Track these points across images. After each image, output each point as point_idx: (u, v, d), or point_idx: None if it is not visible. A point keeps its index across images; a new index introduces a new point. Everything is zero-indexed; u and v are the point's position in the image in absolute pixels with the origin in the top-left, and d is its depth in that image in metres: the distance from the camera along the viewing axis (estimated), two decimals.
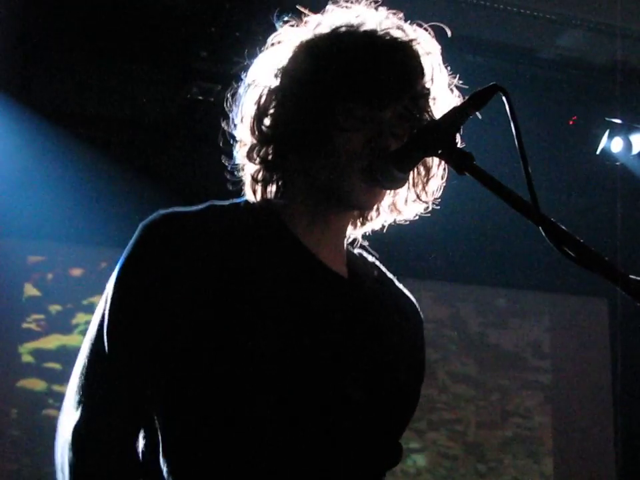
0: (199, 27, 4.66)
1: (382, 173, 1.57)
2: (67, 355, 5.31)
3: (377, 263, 1.81)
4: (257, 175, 1.67)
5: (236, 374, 1.49)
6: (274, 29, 1.72)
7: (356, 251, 1.79)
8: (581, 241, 1.35)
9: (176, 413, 1.53)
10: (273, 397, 1.51)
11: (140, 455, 1.59)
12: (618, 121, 5.67)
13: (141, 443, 1.59)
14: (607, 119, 5.65)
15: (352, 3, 1.71)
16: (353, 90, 1.58)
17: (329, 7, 1.70)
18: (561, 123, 5.56)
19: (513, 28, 5.08)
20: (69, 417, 1.54)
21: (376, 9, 1.69)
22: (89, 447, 1.52)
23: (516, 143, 1.43)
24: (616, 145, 5.74)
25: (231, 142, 1.72)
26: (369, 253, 1.82)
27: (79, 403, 1.54)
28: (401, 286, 1.83)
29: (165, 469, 1.53)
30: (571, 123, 5.61)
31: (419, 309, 1.84)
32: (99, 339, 1.55)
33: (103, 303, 1.58)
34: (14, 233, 5.79)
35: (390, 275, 1.82)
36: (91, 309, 1.53)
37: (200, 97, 4.93)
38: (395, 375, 1.68)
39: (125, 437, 1.55)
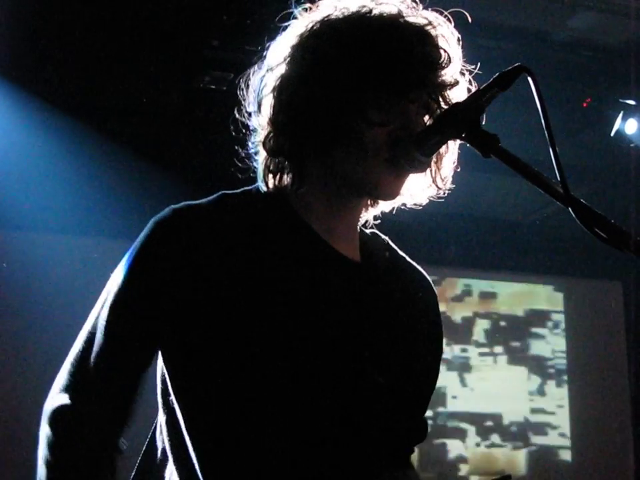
0: (210, 15, 4.63)
1: (405, 157, 1.56)
2: None
3: (389, 242, 1.81)
4: (272, 164, 1.65)
5: (257, 361, 1.49)
6: (286, 17, 1.68)
7: (369, 231, 1.78)
8: (612, 221, 1.33)
9: (197, 401, 1.53)
10: (296, 382, 1.51)
11: (162, 441, 1.60)
12: (632, 102, 5.64)
13: (164, 430, 1.59)
14: (620, 100, 5.62)
15: None
16: (382, 80, 1.54)
17: None
18: (575, 105, 5.53)
19: (525, 11, 5.05)
20: (56, 398, 1.55)
21: None
22: (69, 431, 1.52)
23: (543, 123, 1.41)
24: (630, 127, 5.71)
25: (244, 131, 1.70)
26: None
27: (68, 387, 1.54)
28: (413, 263, 1.82)
29: (192, 456, 1.53)
30: (584, 105, 5.58)
31: (432, 285, 1.84)
32: (96, 326, 1.55)
33: (105, 293, 1.58)
34: (24, 225, 5.79)
35: (401, 253, 1.82)
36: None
37: (212, 86, 4.92)
38: (413, 354, 1.69)
39: (105, 429, 1.54)
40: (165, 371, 1.59)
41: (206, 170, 5.43)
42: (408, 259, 1.82)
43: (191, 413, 1.54)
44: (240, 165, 1.71)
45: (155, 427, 1.64)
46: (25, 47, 4.92)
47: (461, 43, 1.66)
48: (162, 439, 1.61)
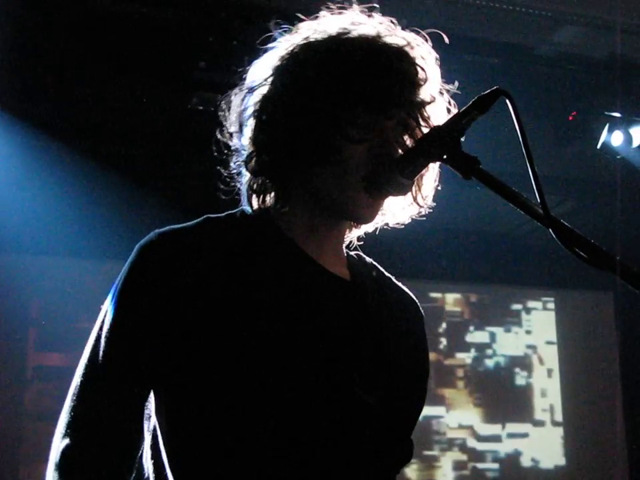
0: (196, 37, 4.65)
1: (387, 180, 1.57)
2: None
3: (374, 263, 1.82)
4: (255, 184, 1.66)
5: (247, 382, 1.49)
6: (271, 37, 1.70)
7: (353, 253, 1.80)
8: (592, 240, 1.35)
9: (182, 425, 1.53)
10: (286, 401, 1.51)
11: (146, 465, 1.59)
12: (617, 114, 5.66)
13: (148, 453, 1.59)
14: (606, 113, 5.65)
15: (345, 8, 1.70)
16: (359, 98, 1.57)
17: (322, 12, 1.70)
18: (560, 119, 5.56)
19: (510, 26, 5.07)
20: (60, 440, 1.52)
21: (369, 14, 1.69)
22: (76, 472, 1.50)
23: (522, 146, 1.43)
24: (616, 139, 5.74)
25: (226, 152, 1.71)
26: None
27: (70, 427, 1.52)
28: (399, 284, 1.84)
29: (171, 475, 1.53)
30: (570, 118, 5.61)
31: (420, 306, 1.85)
32: (93, 361, 1.54)
33: (99, 325, 1.57)
34: (15, 248, 5.79)
35: (387, 274, 1.83)
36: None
37: (200, 107, 4.93)
38: (401, 374, 1.69)
39: (112, 462, 1.52)
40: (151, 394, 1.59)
41: (195, 191, 5.44)
42: (394, 280, 1.83)
43: (175, 435, 1.54)
44: (226, 187, 1.72)
45: (142, 451, 1.64)
46: (11, 72, 4.93)
47: (439, 62, 1.68)
48: (147, 462, 1.60)
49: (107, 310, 1.57)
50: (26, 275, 6.01)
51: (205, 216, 1.66)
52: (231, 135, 1.70)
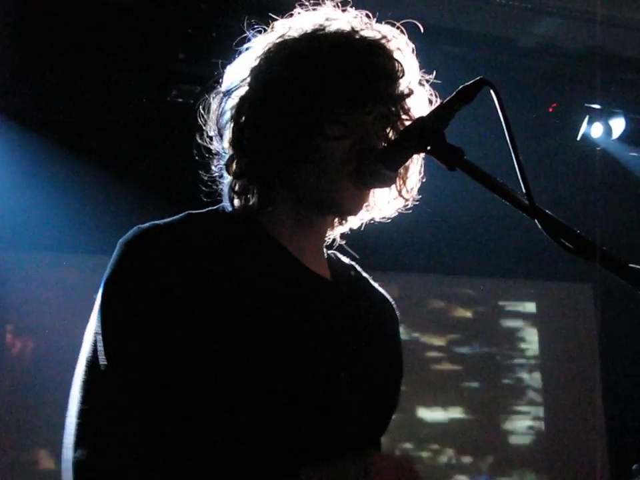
0: (175, 29, 4.63)
1: (371, 172, 1.56)
2: None
3: (353, 263, 1.82)
4: (237, 186, 1.65)
5: (229, 379, 1.48)
6: (250, 29, 1.69)
7: (331, 252, 1.79)
8: (577, 231, 1.35)
9: (175, 416, 1.50)
10: (270, 397, 1.50)
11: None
12: (597, 106, 5.69)
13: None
14: (586, 104, 5.68)
15: (320, 4, 1.69)
16: (336, 96, 1.56)
17: (297, 10, 1.69)
18: (540, 111, 5.57)
19: (490, 17, 5.09)
20: (71, 451, 1.47)
21: (344, 9, 1.68)
22: None
23: (507, 136, 1.43)
24: (596, 131, 5.77)
25: (207, 155, 1.70)
26: (344, 253, 1.83)
27: (80, 437, 1.47)
28: (376, 285, 1.84)
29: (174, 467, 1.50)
30: (550, 110, 5.63)
31: (395, 308, 1.85)
32: (94, 363, 1.50)
33: (91, 335, 1.53)
34: (4, 243, 5.76)
35: (365, 275, 1.83)
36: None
37: (180, 100, 4.91)
38: (379, 372, 1.69)
39: (130, 465, 1.47)
40: None
41: (176, 184, 5.42)
42: (371, 280, 1.84)
43: (174, 429, 1.50)
44: (203, 188, 1.71)
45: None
46: None
47: (417, 47, 1.67)
48: None
49: (96, 313, 1.54)
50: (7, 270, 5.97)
51: (186, 212, 1.64)
52: (210, 138, 1.69)
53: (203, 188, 1.72)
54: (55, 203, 5.57)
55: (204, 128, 1.69)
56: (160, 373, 1.50)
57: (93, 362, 1.51)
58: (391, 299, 1.85)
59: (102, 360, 1.50)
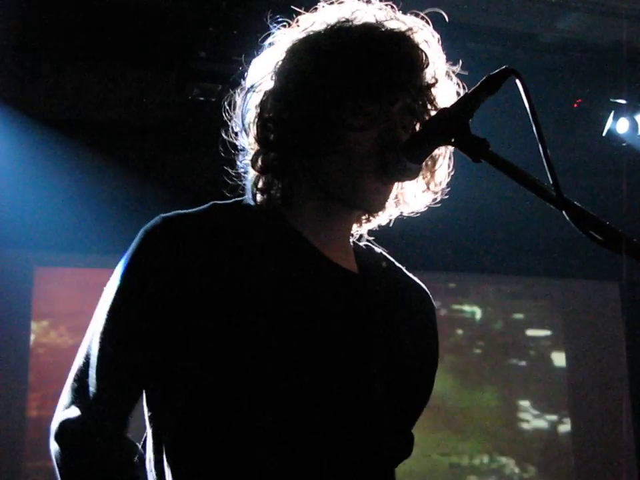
0: (196, 27, 4.63)
1: (395, 165, 1.54)
2: None
3: (385, 253, 1.80)
4: (260, 182, 1.64)
5: (251, 373, 1.47)
6: (272, 27, 1.69)
7: (362, 243, 1.78)
8: (607, 223, 1.31)
9: (185, 413, 1.51)
10: (295, 393, 1.49)
11: (146, 455, 1.58)
12: (623, 101, 5.63)
13: (149, 443, 1.58)
14: (611, 100, 5.62)
15: None
16: (359, 87, 1.55)
17: (321, 3, 1.68)
18: (565, 106, 5.53)
19: (514, 13, 5.05)
20: (62, 414, 1.55)
21: (368, 1, 1.67)
22: (81, 444, 1.52)
23: (533, 126, 1.40)
24: (621, 126, 5.71)
25: (232, 151, 1.69)
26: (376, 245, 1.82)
27: (73, 401, 1.54)
28: (410, 275, 1.82)
29: (169, 468, 1.52)
30: (575, 105, 5.57)
31: (431, 297, 1.83)
32: (100, 339, 1.54)
33: (101, 309, 1.57)
34: (18, 242, 5.78)
35: (398, 265, 1.81)
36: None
37: (201, 98, 4.90)
38: (410, 365, 1.68)
39: (115, 433, 1.54)
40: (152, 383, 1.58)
41: (198, 181, 5.42)
42: (405, 270, 1.81)
43: (177, 426, 1.52)
44: (229, 182, 1.71)
45: (145, 440, 1.62)
46: (13, 65, 4.91)
47: (441, 43, 1.66)
48: (149, 453, 1.59)
49: (109, 291, 1.56)
50: (32, 270, 6.00)
51: (211, 202, 1.64)
52: (236, 134, 1.68)
53: (228, 181, 1.71)
54: (76, 202, 5.59)
55: (229, 124, 1.69)
56: (170, 360, 1.50)
57: (96, 339, 1.55)
58: (426, 289, 1.82)
59: (105, 341, 1.53)
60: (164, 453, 1.53)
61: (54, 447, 1.53)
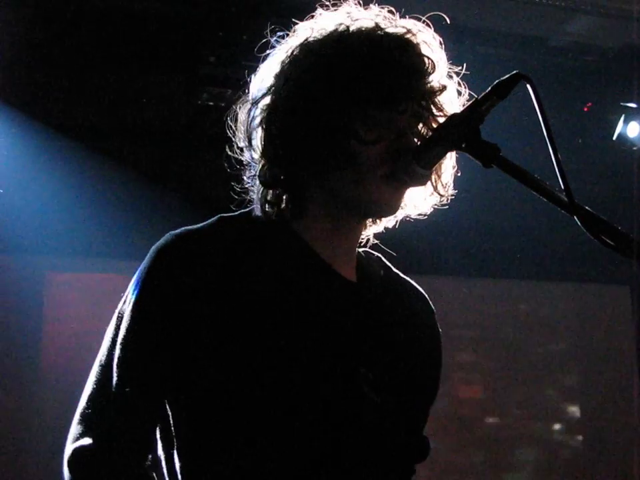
0: (205, 32, 4.63)
1: (406, 172, 1.54)
2: None
3: (382, 259, 1.80)
4: (269, 195, 1.63)
5: (258, 384, 1.48)
6: (281, 31, 1.67)
7: (360, 250, 1.77)
8: (618, 227, 1.31)
9: (200, 428, 1.51)
10: (294, 402, 1.50)
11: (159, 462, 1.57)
12: (633, 105, 5.61)
13: (159, 450, 1.57)
14: (622, 103, 5.60)
15: (339, 3, 1.65)
16: (367, 96, 1.53)
17: (318, 11, 1.66)
18: (576, 110, 5.51)
19: (523, 17, 5.04)
20: (76, 443, 1.50)
21: (366, 7, 1.65)
22: (97, 474, 1.49)
23: (544, 130, 1.40)
24: (632, 130, 5.69)
25: (236, 166, 1.68)
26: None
27: (87, 429, 1.50)
28: (407, 279, 1.82)
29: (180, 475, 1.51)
30: (585, 109, 5.56)
31: (429, 300, 1.83)
32: (109, 366, 1.52)
33: (114, 327, 1.55)
34: (29, 248, 5.78)
35: (395, 270, 1.81)
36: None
37: (210, 102, 4.90)
38: (410, 371, 1.68)
39: (131, 463, 1.51)
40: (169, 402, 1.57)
41: (207, 186, 5.42)
42: (402, 275, 1.81)
43: (192, 440, 1.52)
44: (237, 191, 1.71)
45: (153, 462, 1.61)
46: (22, 70, 4.92)
47: (450, 47, 1.65)
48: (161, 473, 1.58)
49: (122, 312, 1.55)
50: (44, 276, 6.01)
51: (218, 216, 1.63)
52: (241, 149, 1.67)
53: (236, 187, 1.70)
54: (86, 208, 5.59)
55: (233, 139, 1.67)
56: (180, 379, 1.50)
57: (106, 366, 1.52)
58: (424, 293, 1.82)
59: (116, 367, 1.50)
60: (176, 463, 1.53)
61: (67, 476, 1.50)
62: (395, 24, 1.61)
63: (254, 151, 1.62)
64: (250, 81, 1.67)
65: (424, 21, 1.65)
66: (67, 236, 5.65)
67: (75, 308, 6.01)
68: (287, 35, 1.65)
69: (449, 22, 1.72)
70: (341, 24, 1.59)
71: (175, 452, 1.53)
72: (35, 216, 5.57)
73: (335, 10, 1.64)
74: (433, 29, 1.65)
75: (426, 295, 1.82)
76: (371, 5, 1.65)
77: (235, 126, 1.66)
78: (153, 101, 5.23)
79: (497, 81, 1.47)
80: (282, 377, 1.49)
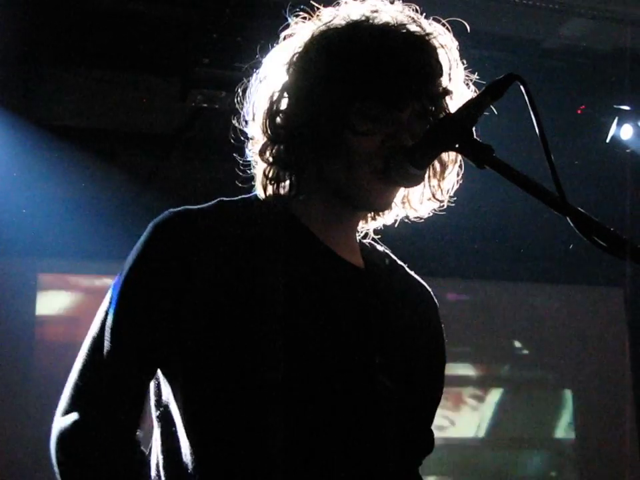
0: (200, 34, 4.63)
1: (397, 170, 1.54)
2: None
3: (387, 251, 1.80)
4: (269, 172, 1.64)
5: (263, 368, 1.47)
6: (276, 33, 1.68)
7: (367, 241, 1.78)
8: (611, 229, 1.31)
9: (198, 410, 1.51)
10: (305, 387, 1.50)
11: (157, 440, 1.57)
12: (626, 108, 5.63)
13: (156, 431, 1.57)
14: (615, 106, 5.61)
15: None
16: (369, 89, 1.54)
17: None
18: (569, 113, 5.52)
19: (517, 19, 5.04)
20: (64, 417, 1.51)
21: (392, 2, 1.65)
22: (83, 448, 1.50)
23: (537, 132, 1.40)
24: (625, 132, 5.70)
25: (243, 139, 1.69)
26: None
27: (75, 403, 1.51)
28: (412, 273, 1.81)
29: (186, 451, 1.50)
30: (579, 112, 5.57)
31: (433, 295, 1.83)
32: (101, 338, 1.52)
33: (107, 304, 1.55)
34: (21, 249, 5.78)
35: (400, 263, 1.81)
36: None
37: (204, 105, 4.90)
38: (418, 361, 1.68)
39: (121, 436, 1.51)
40: (160, 379, 1.57)
41: (200, 188, 5.42)
42: (407, 268, 1.81)
43: (191, 422, 1.51)
44: (240, 174, 1.71)
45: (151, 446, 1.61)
46: (16, 72, 4.91)
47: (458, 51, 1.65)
48: (156, 454, 1.57)
49: (117, 285, 1.55)
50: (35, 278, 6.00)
51: (218, 199, 1.64)
52: (246, 122, 1.68)
53: (230, 187, 1.70)
54: (79, 209, 5.59)
55: (241, 112, 1.69)
56: (180, 352, 1.50)
57: (98, 338, 1.53)
58: (428, 287, 1.82)
59: (107, 338, 1.51)
60: (181, 443, 1.52)
61: (53, 452, 1.51)
62: (415, 23, 1.61)
63: (258, 127, 1.64)
64: (249, 74, 1.69)
65: (444, 24, 1.65)
66: (58, 238, 5.64)
67: (66, 309, 6.01)
68: (310, 16, 1.66)
69: (468, 29, 1.73)
70: (362, 15, 1.61)
71: (178, 430, 1.52)
72: (27, 218, 5.57)
73: (361, 1, 1.65)
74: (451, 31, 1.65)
75: (430, 290, 1.82)
76: (396, 2, 1.66)
77: (244, 98, 1.68)
78: (146, 102, 5.23)
79: (490, 82, 1.48)
80: (288, 361, 1.48)
